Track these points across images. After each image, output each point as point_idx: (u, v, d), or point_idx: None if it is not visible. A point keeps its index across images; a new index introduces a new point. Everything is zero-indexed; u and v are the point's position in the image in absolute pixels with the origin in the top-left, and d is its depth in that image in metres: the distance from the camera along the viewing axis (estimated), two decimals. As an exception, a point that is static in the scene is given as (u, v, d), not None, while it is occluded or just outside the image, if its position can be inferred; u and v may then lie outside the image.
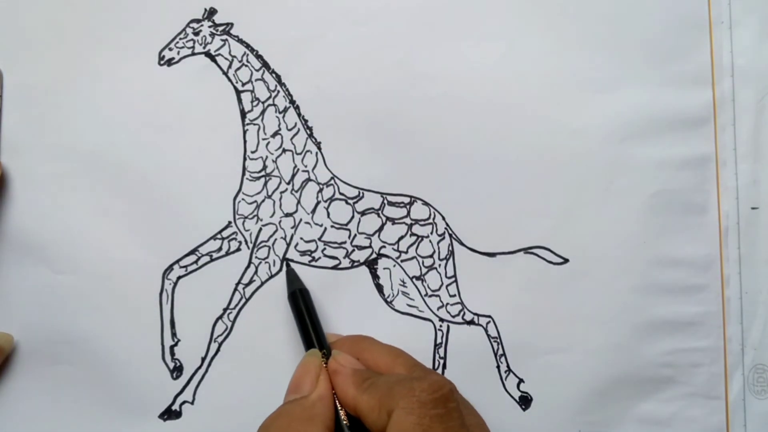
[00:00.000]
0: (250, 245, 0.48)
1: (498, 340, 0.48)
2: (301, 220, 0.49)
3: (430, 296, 0.49)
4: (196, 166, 0.48)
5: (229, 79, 0.49)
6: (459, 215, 0.49)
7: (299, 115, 0.49)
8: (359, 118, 0.49)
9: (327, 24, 0.49)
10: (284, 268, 0.48)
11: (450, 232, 0.49)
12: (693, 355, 0.49)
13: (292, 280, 0.47)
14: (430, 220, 0.49)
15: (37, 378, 0.47)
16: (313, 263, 0.49)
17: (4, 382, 0.47)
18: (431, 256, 0.49)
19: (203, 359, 0.48)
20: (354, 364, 0.40)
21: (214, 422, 0.48)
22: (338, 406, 0.39)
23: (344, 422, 0.39)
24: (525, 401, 0.48)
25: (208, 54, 0.49)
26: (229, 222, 0.48)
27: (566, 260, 0.49)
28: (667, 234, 0.49)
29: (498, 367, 0.48)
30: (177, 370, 0.48)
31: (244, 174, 0.49)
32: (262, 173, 0.49)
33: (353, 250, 0.49)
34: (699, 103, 0.50)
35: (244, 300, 0.48)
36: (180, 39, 0.49)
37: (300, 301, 0.45)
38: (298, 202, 0.49)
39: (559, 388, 0.48)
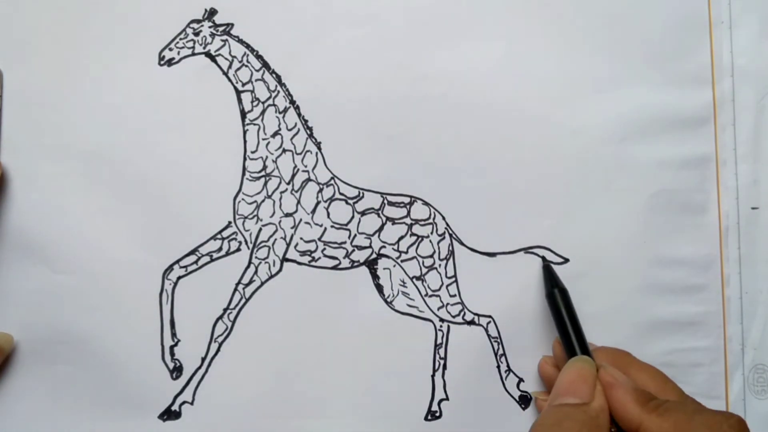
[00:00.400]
0: (250, 245, 0.48)
1: (498, 340, 0.48)
2: (301, 220, 0.49)
3: (431, 296, 0.49)
4: (196, 166, 0.48)
5: (229, 80, 0.49)
6: (459, 215, 0.49)
7: (299, 115, 0.49)
8: (359, 118, 0.49)
9: (327, 24, 0.49)
10: (541, 265, 0.48)
11: (450, 232, 0.49)
12: (693, 354, 0.49)
13: (552, 279, 0.46)
14: (430, 220, 0.49)
15: (37, 378, 0.47)
16: (313, 263, 0.49)
17: (4, 382, 0.47)
18: (431, 256, 0.49)
19: (203, 359, 0.48)
20: (628, 380, 0.40)
21: (214, 422, 0.47)
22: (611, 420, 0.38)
23: None
24: (525, 401, 0.48)
25: (208, 54, 0.49)
26: (229, 222, 0.48)
27: (566, 260, 0.49)
28: (667, 234, 0.49)
29: (498, 366, 0.48)
30: (177, 371, 0.47)
31: (244, 174, 0.49)
32: (262, 173, 0.49)
33: (353, 250, 0.49)
34: (699, 103, 0.50)
35: (244, 300, 0.48)
36: (180, 39, 0.49)
37: (560, 301, 0.45)
38: (298, 202, 0.49)
39: (559, 388, 0.48)
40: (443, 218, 0.49)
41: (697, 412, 0.37)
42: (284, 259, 0.49)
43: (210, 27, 0.49)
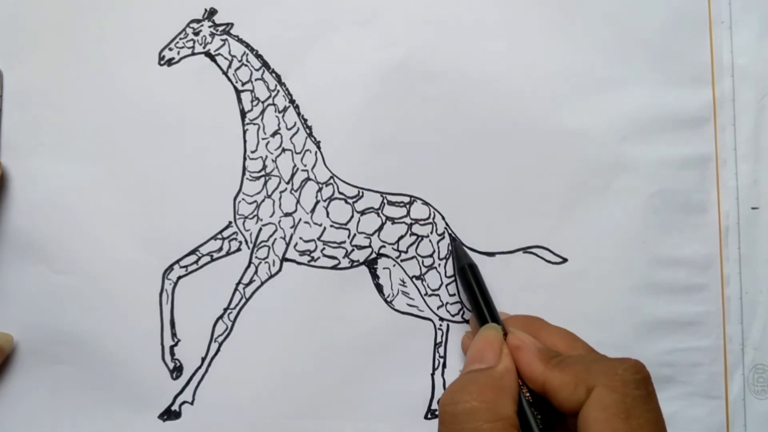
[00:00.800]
0: (250, 245, 0.48)
1: (498, 340, 0.48)
2: (300, 219, 0.49)
3: (430, 296, 0.49)
4: (196, 166, 0.48)
5: (229, 79, 0.49)
6: (459, 215, 0.49)
7: (299, 114, 0.49)
8: (359, 118, 0.49)
9: (327, 24, 0.49)
10: (449, 242, 0.48)
11: (450, 231, 0.49)
12: (693, 354, 0.49)
13: (461, 255, 0.47)
14: (430, 220, 0.49)
15: (37, 378, 0.48)
16: (313, 263, 0.49)
17: (4, 382, 0.47)
18: (431, 255, 0.49)
19: (203, 359, 0.48)
20: (535, 341, 0.40)
21: (214, 422, 0.47)
22: (520, 381, 0.39)
23: (527, 397, 0.38)
24: (525, 401, 0.48)
25: (208, 54, 0.49)
26: (230, 222, 0.48)
27: (565, 260, 0.49)
28: (667, 234, 0.49)
29: (498, 366, 0.48)
30: (177, 370, 0.47)
31: (244, 174, 0.49)
32: (262, 173, 0.49)
33: (353, 250, 0.49)
34: (699, 103, 0.50)
35: (244, 300, 0.48)
36: (180, 39, 0.49)
37: (470, 275, 0.46)
38: (298, 201, 0.49)
39: (559, 388, 0.48)
40: (443, 218, 0.49)
41: (595, 361, 0.37)
42: (284, 259, 0.49)
43: (210, 27, 0.49)
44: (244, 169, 0.49)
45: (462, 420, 0.36)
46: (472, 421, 0.35)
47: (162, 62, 0.49)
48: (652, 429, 0.34)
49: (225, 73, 0.49)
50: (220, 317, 0.48)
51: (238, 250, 0.48)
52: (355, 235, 0.49)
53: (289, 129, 0.49)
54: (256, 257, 0.48)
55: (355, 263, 0.49)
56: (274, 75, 0.49)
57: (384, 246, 0.49)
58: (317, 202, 0.49)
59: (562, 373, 0.37)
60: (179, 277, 0.48)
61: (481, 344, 0.40)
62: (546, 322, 0.44)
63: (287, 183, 0.49)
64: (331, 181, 0.49)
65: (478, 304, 0.44)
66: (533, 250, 0.49)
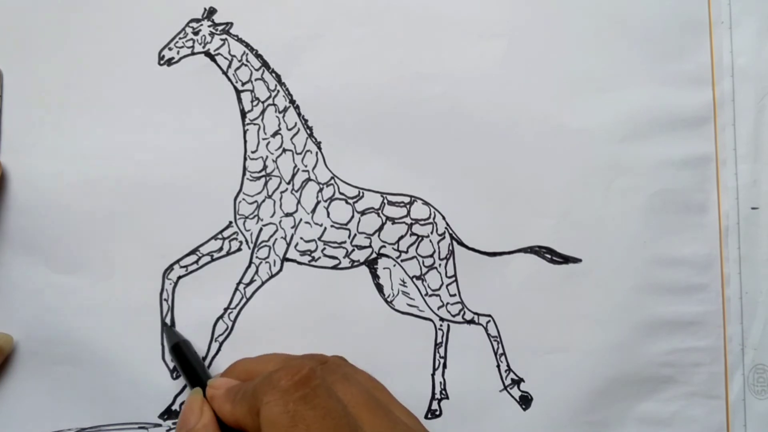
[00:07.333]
0: (251, 245, 0.48)
1: (498, 340, 0.48)
2: (301, 219, 0.49)
3: (431, 296, 0.49)
4: (196, 166, 0.48)
5: (229, 79, 0.49)
6: (459, 215, 0.49)
7: (299, 114, 0.49)
8: (359, 118, 0.49)
9: (327, 24, 0.49)
10: (163, 328, 0.48)
11: (450, 231, 0.49)
12: (693, 354, 0.49)
13: (171, 335, 0.47)
14: (430, 220, 0.49)
15: (37, 378, 0.47)
16: (313, 263, 0.49)
17: (4, 382, 0.47)
18: (431, 255, 0.49)
19: (203, 359, 0.48)
20: (227, 383, 0.41)
21: (214, 422, 0.48)
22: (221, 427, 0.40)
23: None
24: (525, 401, 0.48)
25: (207, 54, 0.49)
26: (230, 222, 0.48)
27: (566, 260, 0.49)
28: (667, 234, 0.49)
29: (498, 366, 0.48)
30: (177, 371, 0.47)
31: (244, 174, 0.49)
32: (263, 173, 0.49)
33: (353, 250, 0.49)
34: (699, 103, 0.50)
35: (245, 300, 0.48)
36: (180, 39, 0.49)
37: (182, 353, 0.46)
38: (298, 201, 0.49)
39: (559, 388, 0.48)
40: (443, 218, 0.49)
41: (259, 380, 0.37)
42: (285, 259, 0.49)
43: (209, 26, 0.49)
44: (245, 169, 0.49)
45: None
46: None
47: (162, 62, 0.49)
48: (320, 425, 0.34)
49: (225, 73, 0.49)
50: (221, 317, 0.48)
51: (239, 250, 0.48)
52: (355, 235, 0.49)
53: (290, 129, 0.49)
54: (257, 257, 0.48)
55: (356, 263, 0.49)
56: (274, 75, 0.49)
57: (384, 246, 0.49)
58: (318, 203, 0.49)
59: (242, 405, 0.37)
60: (179, 277, 0.48)
61: (184, 411, 0.41)
62: (248, 357, 0.45)
63: (288, 183, 0.49)
64: (332, 181, 0.49)
65: (188, 377, 0.45)
66: (534, 250, 0.49)
